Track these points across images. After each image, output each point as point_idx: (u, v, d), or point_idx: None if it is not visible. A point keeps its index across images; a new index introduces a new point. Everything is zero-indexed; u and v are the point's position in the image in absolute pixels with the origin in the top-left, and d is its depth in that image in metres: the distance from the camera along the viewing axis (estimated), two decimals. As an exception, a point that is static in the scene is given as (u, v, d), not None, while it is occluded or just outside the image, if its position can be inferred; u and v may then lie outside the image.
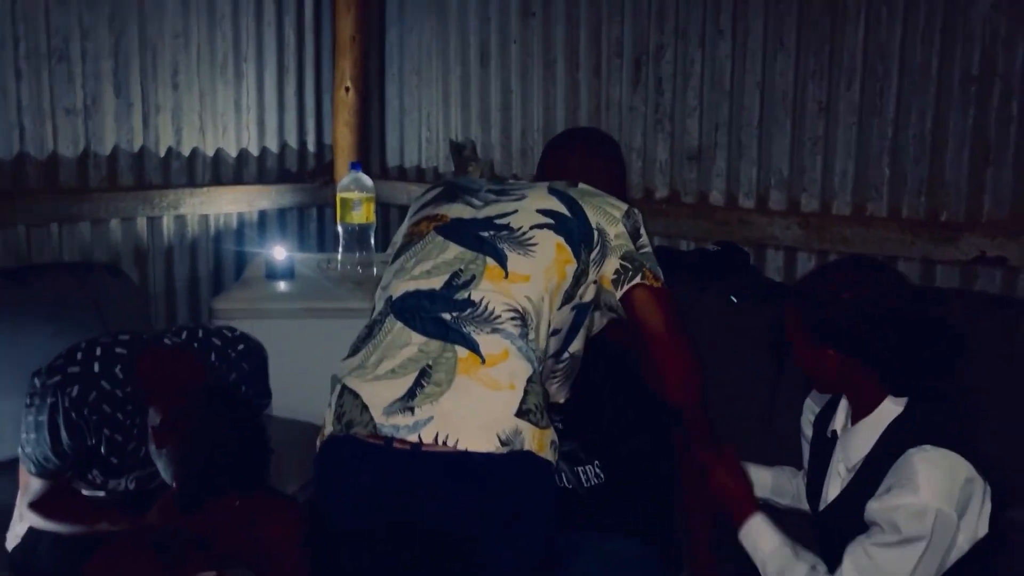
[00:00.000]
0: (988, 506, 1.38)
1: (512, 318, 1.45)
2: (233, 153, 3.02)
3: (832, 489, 1.55)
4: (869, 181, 2.30)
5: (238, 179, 3.04)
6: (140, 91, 2.76)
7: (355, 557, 1.47)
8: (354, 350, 1.49)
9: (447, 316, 1.44)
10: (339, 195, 2.87)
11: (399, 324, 1.46)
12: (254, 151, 3.08)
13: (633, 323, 1.62)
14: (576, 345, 1.61)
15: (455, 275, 1.49)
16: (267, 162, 3.13)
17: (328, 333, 2.48)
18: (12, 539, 1.89)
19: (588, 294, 1.58)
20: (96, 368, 1.68)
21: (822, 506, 1.55)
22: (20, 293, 2.21)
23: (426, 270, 1.51)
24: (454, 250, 1.52)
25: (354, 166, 2.92)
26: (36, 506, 1.77)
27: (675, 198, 2.61)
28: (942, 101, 2.18)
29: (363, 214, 2.85)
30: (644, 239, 1.64)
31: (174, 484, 1.63)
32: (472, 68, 3.03)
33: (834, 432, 1.57)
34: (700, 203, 2.56)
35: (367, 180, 2.88)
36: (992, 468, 1.42)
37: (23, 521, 1.87)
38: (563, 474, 1.92)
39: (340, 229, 2.88)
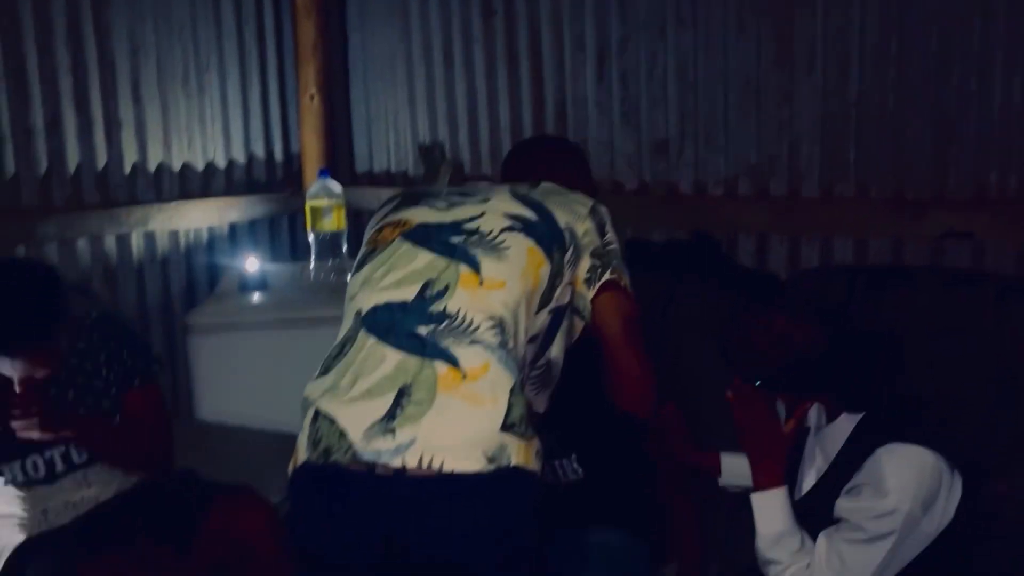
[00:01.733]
0: (957, 492, 1.42)
1: (491, 327, 1.40)
2: (200, 166, 2.99)
3: (808, 479, 1.57)
4: (836, 163, 2.31)
5: (206, 192, 3.01)
6: (101, 107, 2.72)
7: None
8: (325, 369, 1.43)
9: (423, 330, 1.39)
10: (309, 203, 2.86)
11: (372, 340, 1.41)
12: (221, 163, 3.05)
13: (594, 326, 1.60)
14: (554, 351, 1.58)
15: (427, 285, 1.44)
16: (235, 173, 3.10)
17: (304, 342, 2.46)
18: None
19: (564, 296, 1.55)
20: None
21: (797, 495, 1.57)
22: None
23: (396, 280, 1.46)
24: (424, 257, 1.47)
25: (322, 173, 2.90)
26: None
27: (644, 190, 2.62)
28: (903, 81, 2.20)
29: (334, 221, 2.84)
30: (610, 236, 1.62)
31: None
32: (437, 70, 3.02)
33: (807, 427, 1.59)
34: (670, 194, 2.57)
35: (336, 187, 2.87)
36: (966, 445, 1.45)
37: None
38: None
39: (311, 237, 2.87)
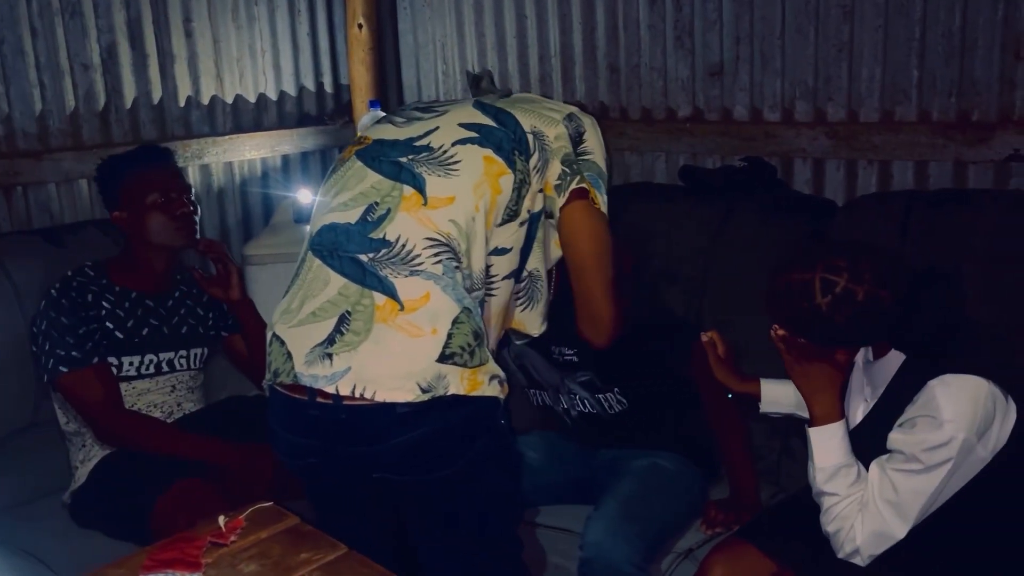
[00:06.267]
0: (1012, 417, 1.40)
1: (434, 253, 1.36)
2: (252, 99, 3.02)
3: (856, 413, 1.56)
4: (897, 85, 2.24)
5: (259, 125, 3.04)
6: (155, 41, 2.74)
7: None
8: (285, 291, 1.43)
9: (364, 257, 1.36)
10: (359, 135, 2.86)
11: (318, 262, 1.39)
12: (272, 96, 3.07)
13: (560, 239, 1.53)
14: (534, 262, 1.51)
15: (370, 209, 1.39)
16: (286, 106, 3.12)
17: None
18: (73, 487, 1.98)
19: (536, 204, 1.48)
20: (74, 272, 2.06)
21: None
22: (57, 253, 2.24)
23: (343, 201, 1.42)
24: (371, 179, 1.43)
25: (373, 104, 2.90)
26: (110, 404, 1.92)
27: (698, 116, 2.58)
28: (971, -3, 2.11)
29: (385, 152, 2.84)
30: (590, 146, 1.52)
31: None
32: (485, -4, 2.97)
33: (853, 363, 1.57)
34: (724, 119, 2.53)
35: (387, 117, 2.86)
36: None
37: (86, 461, 1.96)
38: (585, 400, 1.95)
39: (363, 168, 2.88)
